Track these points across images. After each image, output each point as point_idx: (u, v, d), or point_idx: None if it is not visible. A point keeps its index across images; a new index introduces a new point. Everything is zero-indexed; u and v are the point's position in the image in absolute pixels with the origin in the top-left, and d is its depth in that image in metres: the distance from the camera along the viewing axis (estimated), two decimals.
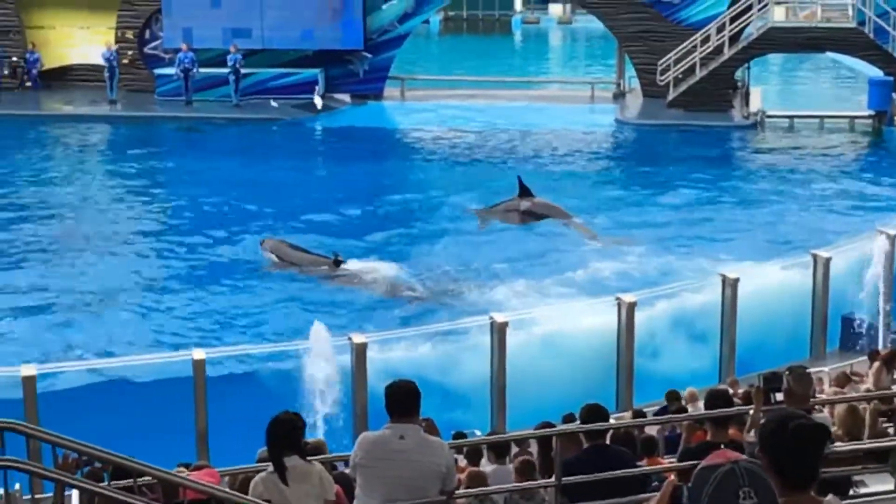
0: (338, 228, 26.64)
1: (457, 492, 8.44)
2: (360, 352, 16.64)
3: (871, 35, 35.97)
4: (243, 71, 37.98)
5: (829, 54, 41.50)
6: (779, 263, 21.49)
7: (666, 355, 19.55)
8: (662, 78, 37.02)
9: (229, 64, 37.66)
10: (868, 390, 14.10)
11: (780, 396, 8.72)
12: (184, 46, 38.06)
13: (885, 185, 30.13)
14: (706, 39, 36.66)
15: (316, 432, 15.76)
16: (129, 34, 40.09)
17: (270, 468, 7.75)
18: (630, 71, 39.62)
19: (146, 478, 7.81)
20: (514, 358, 17.43)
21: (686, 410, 13.55)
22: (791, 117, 37.19)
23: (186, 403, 16.00)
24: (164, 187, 31.47)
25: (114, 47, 39.16)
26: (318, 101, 38.16)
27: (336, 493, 7.99)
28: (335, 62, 39.13)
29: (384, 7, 39.05)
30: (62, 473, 7.43)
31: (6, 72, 39.70)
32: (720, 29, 36.57)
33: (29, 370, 15.36)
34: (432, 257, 24.44)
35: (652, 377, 18.43)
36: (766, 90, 39.68)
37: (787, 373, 8.73)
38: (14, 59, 40.18)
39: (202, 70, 38.15)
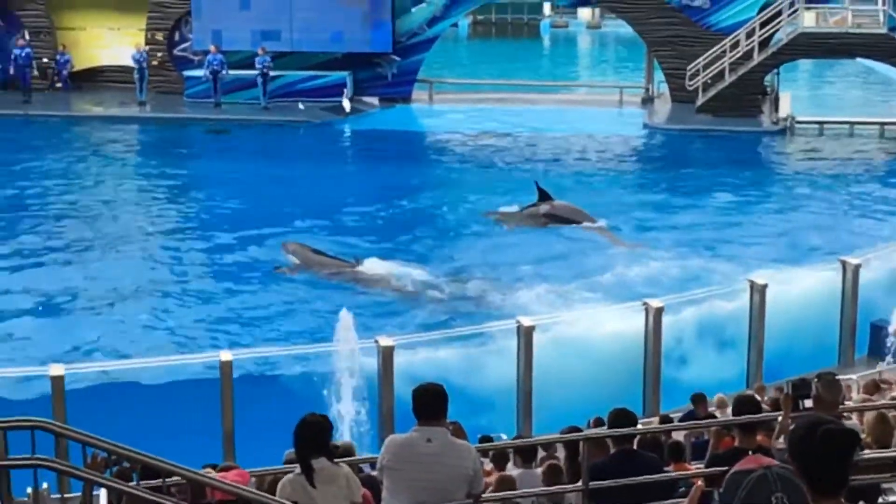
0: (363, 230, 26.67)
1: (484, 495, 8.42)
2: (386, 355, 16.62)
3: None
4: (272, 73, 38.07)
5: (860, 60, 41.31)
6: (807, 270, 21.41)
7: (692, 361, 19.47)
8: (691, 83, 36.94)
9: (257, 66, 37.76)
10: None
11: (808, 403, 8.67)
12: (213, 48, 38.18)
13: None
14: (735, 44, 36.56)
15: (341, 435, 15.79)
16: (159, 36, 40.25)
17: (298, 470, 7.75)
18: (659, 76, 39.56)
19: (174, 478, 7.82)
20: (540, 362, 17.40)
21: (714, 416, 13.49)
22: (821, 123, 37.01)
23: (210, 405, 16.03)
24: (191, 188, 31.56)
25: (143, 49, 39.33)
26: (346, 104, 38.22)
27: (363, 496, 7.99)
28: (364, 65, 39.19)
29: (413, 10, 39.09)
30: (92, 472, 7.45)
31: (36, 73, 39.89)
32: (750, 34, 36.47)
33: (57, 370, 15.40)
34: (456, 261, 24.42)
35: (678, 383, 18.35)
36: (796, 95, 39.51)
37: (816, 379, 8.69)
38: (45, 60, 40.37)
39: (231, 72, 38.26)
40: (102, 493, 8.59)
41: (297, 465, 7.83)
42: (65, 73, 40.34)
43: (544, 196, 26.83)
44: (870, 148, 35.27)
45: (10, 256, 24.72)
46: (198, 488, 7.88)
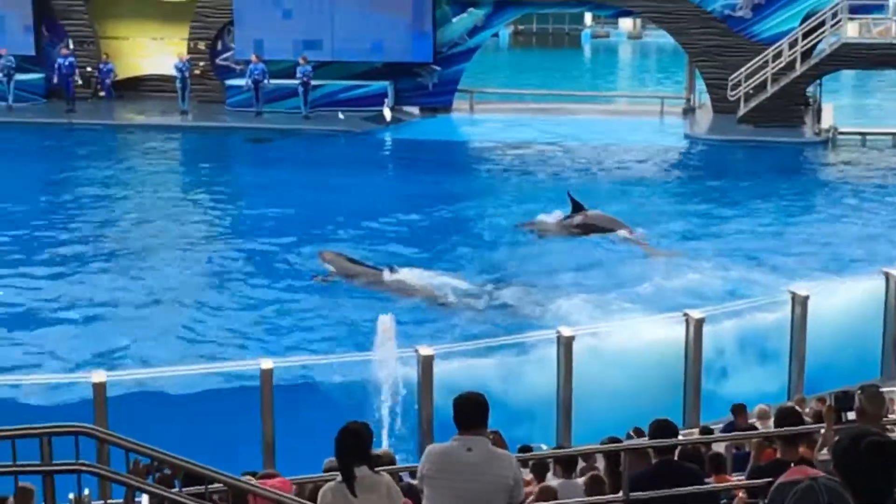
0: (401, 239, 26.70)
1: None
2: (426, 364, 16.63)
3: None
4: (313, 83, 38.19)
5: None
6: (850, 281, 21.26)
7: (733, 372, 19.36)
8: (733, 93, 36.81)
9: (298, 75, 37.90)
10: None
11: (851, 415, 8.62)
12: (254, 58, 38.35)
13: None
14: (778, 55, 36.42)
15: (381, 443, 15.79)
16: (202, 45, 40.48)
17: (339, 478, 7.75)
18: (700, 86, 39.44)
19: (215, 485, 7.84)
20: (579, 371, 17.34)
21: (755, 427, 13.42)
22: (863, 134, 36.78)
23: (247, 413, 16.07)
24: (231, 197, 31.69)
25: (186, 58, 39.55)
26: (387, 114, 38.30)
27: None
28: (405, 75, 39.27)
29: (454, 20, 39.14)
30: (135, 478, 7.48)
31: (80, 82, 40.18)
32: (792, 45, 36.32)
33: (99, 376, 15.48)
34: (494, 270, 24.34)
35: (718, 394, 18.27)
36: (839, 106, 39.30)
37: (859, 392, 8.63)
38: (88, 69, 40.67)
39: (272, 81, 38.42)
40: (144, 500, 8.63)
41: (338, 473, 7.83)
42: (108, 82, 40.62)
43: (577, 207, 26.81)
44: None
45: (51, 263, 24.87)
46: (239, 496, 7.89)
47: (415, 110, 39.74)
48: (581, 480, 11.01)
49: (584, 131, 38.02)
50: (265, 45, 38.86)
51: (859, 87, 49.19)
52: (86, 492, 10.23)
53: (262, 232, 27.41)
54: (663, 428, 9.69)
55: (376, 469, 7.91)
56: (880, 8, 38.26)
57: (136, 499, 8.28)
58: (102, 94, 40.76)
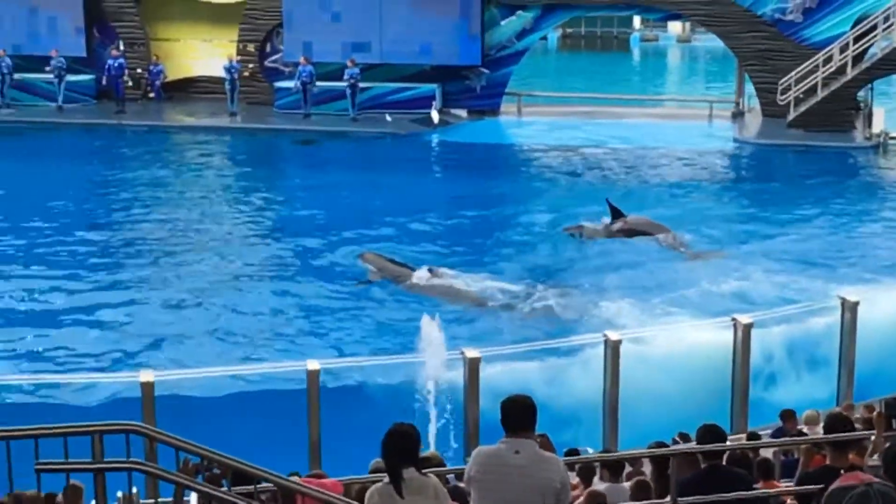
0: (445, 241, 26.70)
1: None
2: (472, 366, 16.60)
3: None
4: (361, 85, 38.28)
5: None
6: None
7: (781, 378, 19.24)
8: (783, 97, 36.59)
9: (345, 78, 37.98)
10: None
11: None
12: (303, 60, 38.49)
13: None
14: (828, 59, 36.17)
15: (428, 446, 15.78)
16: (251, 47, 40.67)
17: (386, 479, 7.75)
18: (750, 90, 39.23)
19: (264, 485, 7.86)
20: (624, 375, 17.27)
21: (804, 433, 13.33)
22: None
23: (290, 413, 16.11)
24: (278, 198, 31.78)
25: (235, 60, 39.75)
26: (434, 116, 38.33)
27: None
28: (452, 77, 39.28)
29: (503, 23, 39.10)
30: (185, 477, 7.51)
31: (130, 83, 40.46)
32: (843, 49, 36.07)
33: (147, 376, 15.57)
34: (537, 273, 24.20)
35: (765, 400, 18.16)
36: (890, 111, 38.96)
37: None
38: (138, 70, 40.95)
39: (321, 83, 38.53)
40: (193, 499, 8.66)
41: (385, 475, 7.83)
42: (157, 83, 40.89)
43: (617, 214, 26.71)
44: None
45: (99, 265, 25.03)
46: (287, 496, 7.90)
47: (462, 113, 39.76)
48: (628, 485, 10.98)
49: (632, 135, 37.92)
50: (314, 48, 39.00)
51: None
52: (134, 490, 10.28)
53: (307, 233, 27.49)
54: (711, 433, 9.63)
55: (424, 471, 7.91)
56: None
57: (185, 497, 8.32)
58: (152, 95, 41.03)
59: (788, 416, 14.56)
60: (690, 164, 34.82)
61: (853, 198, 30.97)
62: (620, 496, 10.30)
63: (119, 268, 24.97)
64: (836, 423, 9.90)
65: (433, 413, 17.14)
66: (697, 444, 9.82)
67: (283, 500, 8.02)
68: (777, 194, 31.05)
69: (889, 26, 36.20)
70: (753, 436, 14.01)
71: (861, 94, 37.49)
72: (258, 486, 7.77)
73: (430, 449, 14.56)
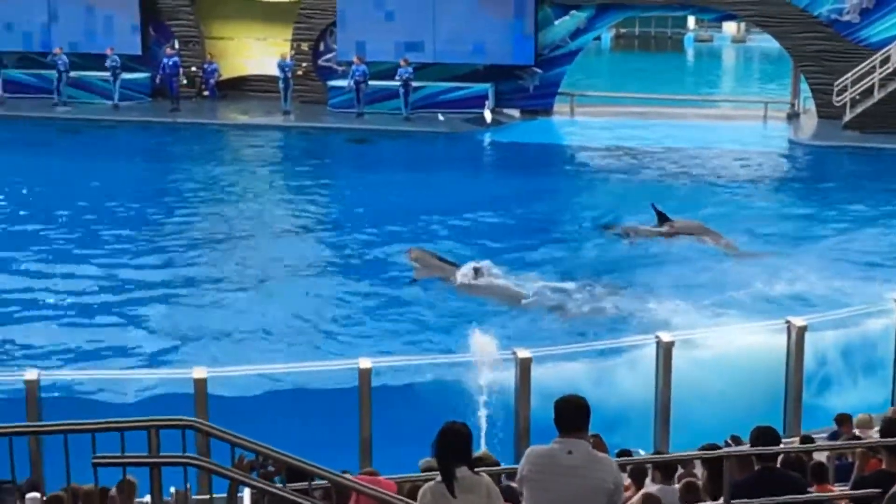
0: (494, 239, 26.64)
1: None
2: (524, 366, 16.57)
3: None
4: (414, 84, 38.31)
5: None
6: None
7: (835, 382, 19.10)
8: (839, 99, 36.30)
9: (398, 77, 38.02)
10: None
11: None
12: (357, 59, 38.57)
13: None
14: (886, 60, 35.83)
15: (479, 445, 15.77)
16: (304, 46, 40.81)
17: (439, 478, 7.74)
18: (805, 91, 38.95)
19: (318, 482, 7.86)
20: (675, 376, 17.19)
21: (859, 438, 13.20)
22: None
23: (335, 412, 16.14)
24: (330, 196, 31.93)
25: (289, 59, 39.89)
26: (487, 116, 38.31)
27: None
28: (506, 77, 39.23)
29: (556, 23, 39.01)
30: (241, 473, 7.54)
31: (184, 81, 40.71)
32: None
33: (200, 372, 15.64)
34: (585, 273, 24.06)
35: (819, 403, 18.03)
36: None
37: None
38: (193, 68, 41.19)
39: (374, 83, 38.60)
40: (246, 495, 8.70)
41: (437, 473, 7.83)
42: (212, 81, 41.11)
43: (663, 218, 26.57)
44: None
45: (151, 263, 25.19)
46: (341, 493, 7.92)
47: (515, 113, 39.70)
48: (678, 487, 10.93)
49: (685, 136, 37.73)
50: (367, 47, 39.07)
51: None
52: (187, 486, 10.33)
53: (357, 230, 27.62)
54: (766, 435, 9.56)
55: (476, 470, 7.90)
56: None
57: (238, 494, 8.36)
58: (206, 93, 41.26)
59: (844, 420, 14.43)
60: (745, 165, 34.61)
61: None
62: (672, 498, 10.25)
63: (170, 264, 25.14)
64: (892, 426, 9.81)
65: (483, 412, 17.11)
66: (751, 446, 9.75)
67: (338, 497, 8.03)
68: (832, 196, 30.81)
69: None
70: (807, 439, 13.90)
71: None
72: (312, 482, 7.78)
73: (480, 448, 14.56)
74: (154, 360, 19.62)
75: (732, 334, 19.19)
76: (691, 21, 65.28)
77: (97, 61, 40.55)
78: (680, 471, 12.07)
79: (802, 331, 17.68)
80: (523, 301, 22.43)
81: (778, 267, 24.23)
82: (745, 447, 10.57)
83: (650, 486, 11.05)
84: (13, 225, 28.08)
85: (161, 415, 7.79)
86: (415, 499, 7.98)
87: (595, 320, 21.47)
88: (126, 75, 40.63)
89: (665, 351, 17.02)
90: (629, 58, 61.74)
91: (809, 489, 10.07)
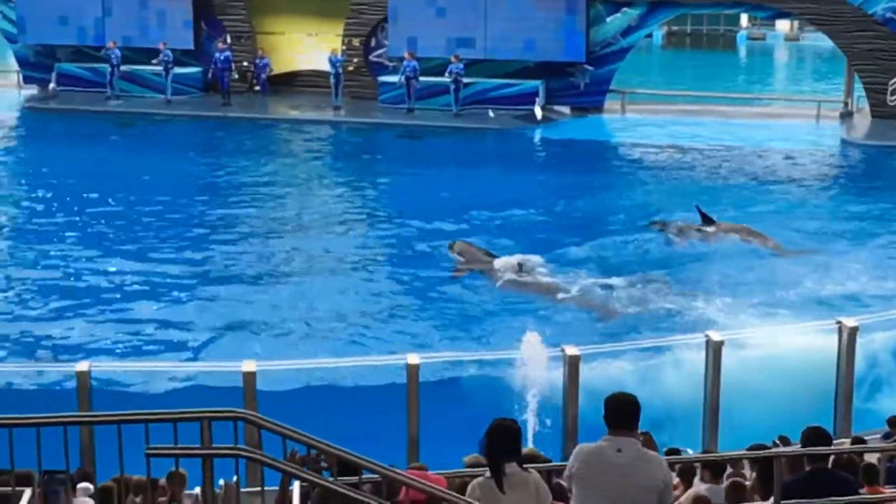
0: (540, 235, 26.58)
1: None
2: (572, 364, 16.53)
3: None
4: (465, 80, 38.32)
5: None
6: None
7: (886, 383, 18.94)
8: (893, 98, 36.04)
9: (448, 73, 38.04)
10: None
11: None
12: (408, 55, 38.61)
13: None
14: None
15: (526, 442, 15.76)
16: (356, 42, 40.92)
17: (487, 473, 7.75)
18: (859, 90, 38.65)
19: (369, 476, 7.88)
20: (723, 375, 17.10)
21: None
22: None
23: (377, 407, 16.18)
24: (378, 191, 31.94)
25: (340, 54, 39.99)
26: (538, 113, 38.25)
27: None
28: (556, 74, 39.17)
29: (608, 20, 38.88)
30: (293, 465, 7.56)
31: (236, 76, 40.91)
32: None
33: (249, 366, 15.71)
34: (633, 270, 23.90)
35: (868, 405, 17.89)
36: None
37: None
38: (244, 63, 41.39)
39: (424, 79, 38.63)
40: (295, 489, 8.72)
41: (486, 469, 7.84)
42: (263, 76, 41.30)
43: (707, 220, 26.42)
44: None
45: (197, 257, 25.32)
46: (391, 487, 7.93)
47: (565, 110, 39.65)
48: (724, 486, 10.88)
49: (737, 134, 37.55)
50: (418, 43, 39.12)
51: None
52: (234, 478, 10.38)
53: (404, 226, 27.63)
54: (817, 436, 9.50)
55: (525, 466, 7.90)
56: None
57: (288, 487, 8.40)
58: (257, 88, 41.45)
59: (895, 422, 14.32)
60: (796, 164, 34.38)
61: None
62: (721, 498, 10.22)
63: (216, 257, 25.24)
64: None
65: (528, 410, 17.09)
66: (802, 446, 9.70)
67: (387, 491, 8.05)
68: (884, 196, 30.51)
69: None
70: (858, 440, 13.81)
71: None
72: (363, 476, 7.80)
73: (527, 445, 14.55)
74: (199, 353, 19.70)
75: (782, 334, 19.07)
76: (744, 19, 64.98)
77: (150, 55, 40.82)
78: (729, 470, 12.02)
79: (854, 332, 17.53)
80: (567, 297, 22.32)
81: (829, 267, 24.05)
82: (795, 447, 10.52)
83: (699, 486, 11.01)
84: (63, 217, 28.31)
85: (191, 406, 7.82)
86: (462, 494, 7.99)
87: (641, 318, 21.37)
88: (178, 70, 40.90)
89: (715, 350, 16.94)
90: (681, 55, 61.54)
91: (860, 490, 10.00)
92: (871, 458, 12.26)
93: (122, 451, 7.70)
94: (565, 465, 8.07)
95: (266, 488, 8.63)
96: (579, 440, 12.86)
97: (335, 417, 16.44)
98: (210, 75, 40.86)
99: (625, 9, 38.80)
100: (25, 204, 30.04)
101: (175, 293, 22.96)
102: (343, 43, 40.89)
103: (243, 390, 15.39)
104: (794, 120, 39.79)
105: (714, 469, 11.11)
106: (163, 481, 11.12)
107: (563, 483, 8.35)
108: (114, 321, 21.29)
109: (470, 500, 7.66)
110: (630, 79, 43.24)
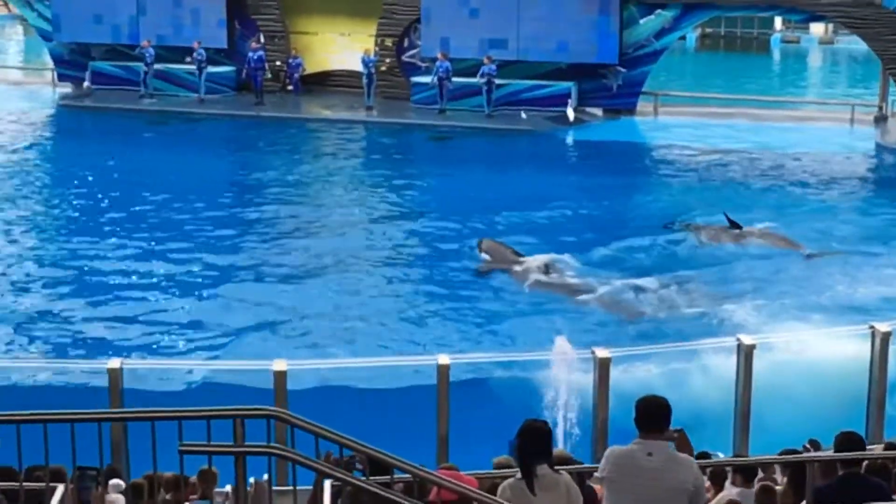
0: (569, 236, 26.53)
1: None
2: (603, 366, 16.48)
3: None
4: (497, 81, 38.29)
5: None
6: None
7: None
8: None
9: (481, 74, 38.01)
10: None
11: None
12: (441, 55, 38.62)
13: None
14: None
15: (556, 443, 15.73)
16: (388, 42, 40.94)
17: (518, 475, 7.75)
18: (893, 94, 38.42)
19: (401, 475, 7.88)
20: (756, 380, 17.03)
21: None
22: None
23: (409, 407, 16.19)
24: (409, 191, 31.94)
25: (372, 54, 40.03)
26: (570, 114, 38.19)
27: None
28: (589, 75, 39.09)
29: (641, 22, 38.75)
30: (327, 464, 7.57)
31: (269, 75, 41.02)
32: None
33: (280, 365, 15.73)
34: (661, 271, 23.83)
35: None
36: None
37: None
38: (277, 63, 41.49)
39: (457, 79, 38.62)
40: (326, 488, 8.74)
41: (516, 470, 7.84)
42: (296, 76, 41.38)
43: (735, 227, 26.31)
44: None
45: (226, 255, 25.41)
46: (422, 487, 7.94)
47: (598, 112, 39.56)
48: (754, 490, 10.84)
49: (770, 137, 37.41)
50: (451, 43, 39.10)
51: None
52: (265, 477, 10.39)
53: (433, 226, 27.72)
54: (851, 440, 9.45)
55: (556, 468, 7.90)
56: None
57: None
58: (290, 88, 41.54)
59: None
60: (829, 167, 34.22)
61: None
62: (752, 502, 10.18)
63: (245, 256, 25.37)
64: None
65: (558, 412, 17.05)
66: (835, 451, 9.65)
67: (419, 491, 8.05)
68: None
69: None
70: (892, 446, 13.71)
71: None
72: (395, 476, 7.81)
73: (559, 447, 14.52)
74: (228, 351, 19.76)
75: (813, 338, 18.97)
76: (778, 22, 64.66)
77: (183, 54, 40.98)
78: (760, 475, 11.97)
79: (887, 337, 17.41)
80: (594, 298, 22.27)
81: (862, 271, 23.93)
82: (826, 452, 10.47)
83: (730, 490, 10.98)
84: (96, 214, 28.47)
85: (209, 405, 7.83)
86: (493, 495, 7.99)
87: (669, 320, 21.32)
88: (212, 69, 41.05)
89: (746, 353, 16.87)
90: (714, 58, 61.31)
91: (894, 496, 9.94)
92: None
93: (155, 447, 7.73)
94: (596, 468, 8.07)
95: (302, 487, 8.64)
96: (609, 443, 12.83)
97: (355, 417, 16.48)
98: (243, 74, 40.99)
99: (659, 11, 38.67)
100: (57, 201, 30.21)
101: (204, 291, 23.07)
102: (376, 43, 40.93)
103: (274, 389, 15.41)
104: (827, 123, 39.61)
105: (745, 473, 11.06)
106: (193, 478, 11.15)
107: (594, 485, 8.34)
108: (144, 318, 21.38)
109: (501, 500, 7.66)
110: (663, 82, 43.12)
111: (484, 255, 24.42)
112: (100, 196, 30.08)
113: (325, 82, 42.40)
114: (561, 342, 17.46)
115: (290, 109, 40.11)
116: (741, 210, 27.53)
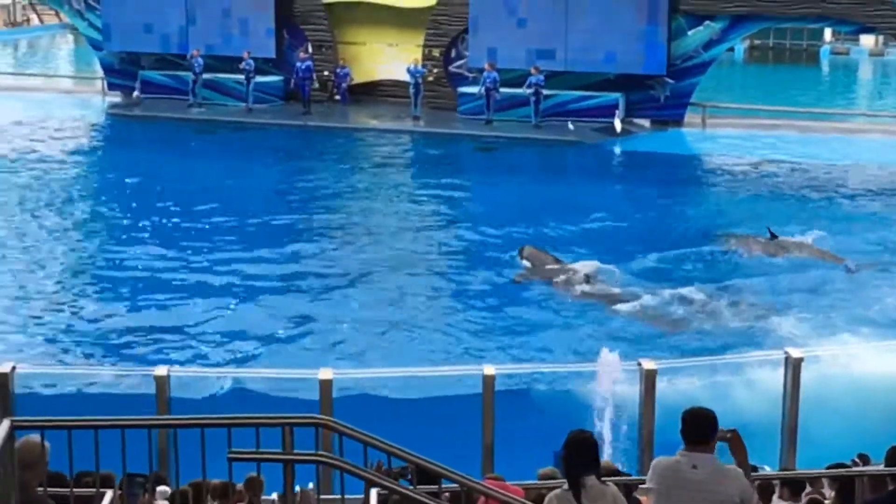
0: (613, 248, 26.41)
1: None
2: (649, 378, 16.43)
3: None
4: (545, 92, 38.26)
5: None
6: None
7: None
8: None
9: (528, 85, 37.99)
10: None
11: None
12: (488, 66, 38.64)
13: None
14: None
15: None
16: (436, 52, 41.01)
17: (565, 486, 7.74)
18: None
19: (448, 485, 7.89)
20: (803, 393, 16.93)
21: None
22: None
23: (444, 417, 16.20)
24: (454, 201, 31.99)
25: (420, 65, 40.11)
26: (617, 125, 38.10)
27: None
28: (636, 86, 38.99)
29: (690, 33, 38.61)
30: (375, 473, 7.59)
31: (317, 85, 41.19)
32: None
33: (326, 374, 15.79)
34: (705, 284, 23.69)
35: None
36: None
37: None
38: (325, 73, 41.66)
39: (504, 90, 38.63)
40: (372, 497, 8.76)
41: (562, 481, 7.83)
42: (344, 86, 41.53)
43: (773, 238, 26.14)
44: None
45: (270, 263, 25.51)
46: (469, 496, 7.94)
47: (645, 123, 39.44)
48: None
49: (819, 149, 37.15)
50: (498, 54, 39.10)
51: None
52: (310, 485, 10.43)
53: (477, 235, 27.73)
54: None
55: (603, 479, 7.89)
56: None
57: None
58: (338, 97, 41.68)
59: None
60: (878, 180, 33.98)
61: None
62: None
63: (289, 264, 25.50)
64: None
65: (605, 423, 17.01)
66: (886, 465, 9.58)
67: (466, 500, 8.06)
68: None
69: None
70: None
71: None
72: (442, 486, 7.82)
73: (605, 458, 14.48)
74: (271, 359, 19.84)
75: (862, 351, 18.86)
76: (828, 33, 64.22)
77: (231, 64, 41.23)
78: (808, 489, 11.90)
79: None
80: (636, 309, 22.21)
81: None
82: (876, 466, 10.40)
83: (777, 503, 10.92)
84: (142, 222, 28.67)
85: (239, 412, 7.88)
86: None
87: (713, 332, 21.22)
88: (260, 78, 41.26)
89: (794, 366, 16.77)
90: (763, 70, 60.98)
91: None
92: None
93: (204, 454, 7.77)
94: (642, 479, 8.05)
95: (346, 496, 8.65)
96: (655, 454, 12.79)
97: (392, 426, 16.48)
98: (291, 84, 41.18)
99: (707, 22, 38.52)
100: (106, 209, 30.45)
101: (248, 299, 23.17)
102: (423, 53, 41.00)
103: (319, 398, 15.46)
104: (877, 135, 39.32)
105: (793, 487, 11.01)
106: (240, 486, 11.20)
107: (640, 497, 8.32)
108: (186, 327, 21.51)
109: None
110: (712, 93, 42.96)
111: (525, 262, 24.43)
112: (147, 203, 30.26)
113: (372, 92, 42.53)
114: (606, 353, 17.43)
115: (337, 119, 40.26)
116: (788, 221, 27.40)
